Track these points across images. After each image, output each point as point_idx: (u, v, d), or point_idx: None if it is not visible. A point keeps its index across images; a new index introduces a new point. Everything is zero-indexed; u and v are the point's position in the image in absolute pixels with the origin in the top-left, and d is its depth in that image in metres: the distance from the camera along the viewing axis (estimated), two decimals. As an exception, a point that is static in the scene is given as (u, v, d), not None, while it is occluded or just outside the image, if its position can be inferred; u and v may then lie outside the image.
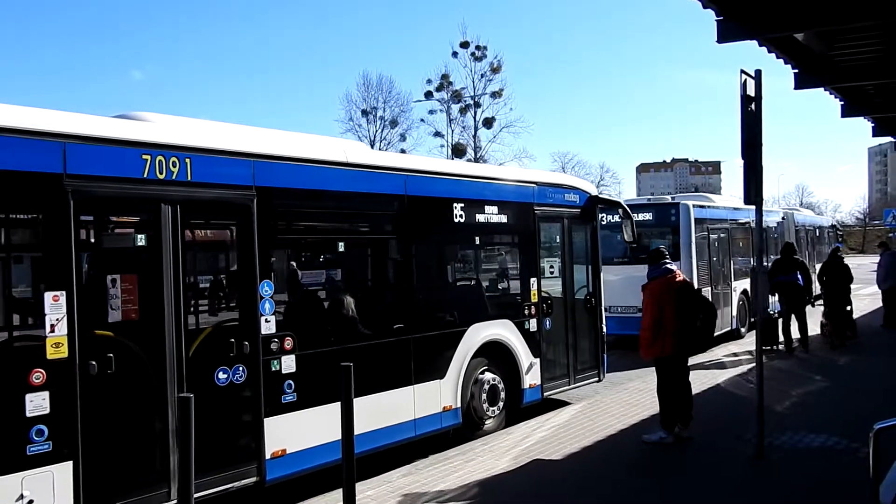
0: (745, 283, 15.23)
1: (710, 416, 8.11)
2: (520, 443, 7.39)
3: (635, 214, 10.88)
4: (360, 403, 5.41)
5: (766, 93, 6.71)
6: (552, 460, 6.77)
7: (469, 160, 41.88)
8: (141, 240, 5.50)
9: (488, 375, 8.06)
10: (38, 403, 4.62)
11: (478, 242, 8.46)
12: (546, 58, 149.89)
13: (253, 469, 5.80)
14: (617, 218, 11.66)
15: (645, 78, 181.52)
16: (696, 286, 7.10)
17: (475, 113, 43.19)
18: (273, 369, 5.95)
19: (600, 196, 10.16)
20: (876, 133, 13.65)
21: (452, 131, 43.41)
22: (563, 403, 9.19)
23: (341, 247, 7.25)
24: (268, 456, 5.87)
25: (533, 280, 8.62)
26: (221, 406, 5.63)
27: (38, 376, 4.63)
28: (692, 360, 8.23)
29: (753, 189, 6.76)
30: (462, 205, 7.81)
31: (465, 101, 43.02)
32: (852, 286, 13.60)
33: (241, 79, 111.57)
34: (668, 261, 7.67)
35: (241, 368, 5.74)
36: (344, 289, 7.25)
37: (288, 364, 6.06)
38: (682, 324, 7.32)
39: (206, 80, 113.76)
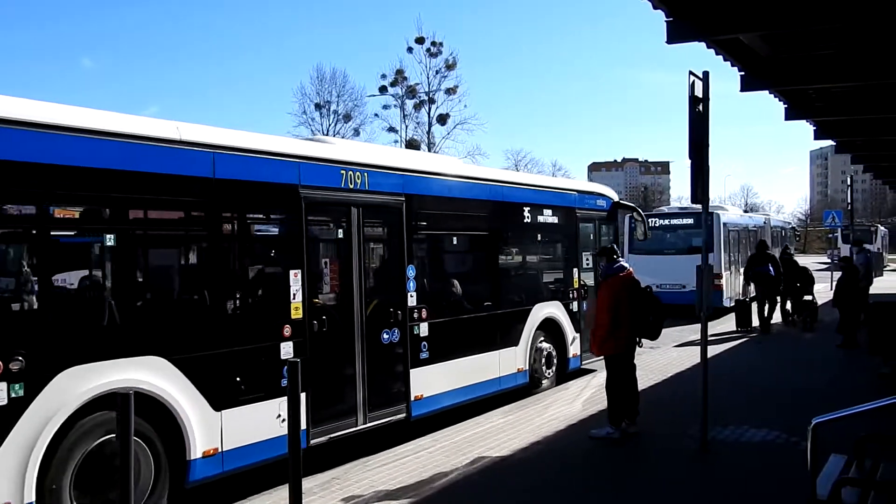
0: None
1: (658, 411, 8.29)
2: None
3: (679, 220, 19.86)
4: (466, 362, 8.46)
5: (713, 94, 6.83)
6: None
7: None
8: (340, 234, 7.39)
9: (545, 345, 10.11)
10: (287, 350, 6.46)
11: (539, 238, 10.37)
12: (500, 55, 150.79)
13: (403, 408, 7.70)
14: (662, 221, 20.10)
15: (597, 78, 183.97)
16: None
17: (429, 109, 43.09)
18: (415, 332, 7.85)
19: (621, 202, 12.22)
20: (817, 136, 14.03)
21: (406, 127, 43.28)
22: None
23: (456, 241, 9.28)
24: (412, 398, 7.80)
25: (575, 269, 10.80)
26: (385, 359, 7.54)
27: (287, 330, 6.51)
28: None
29: (700, 189, 6.87)
30: (529, 208, 9.83)
31: (420, 96, 42.89)
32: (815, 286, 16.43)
33: (193, 67, 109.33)
34: (621, 259, 7.79)
35: (395, 331, 7.61)
36: (456, 274, 9.12)
37: (424, 329, 7.97)
38: (635, 320, 7.44)
39: (158, 68, 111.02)
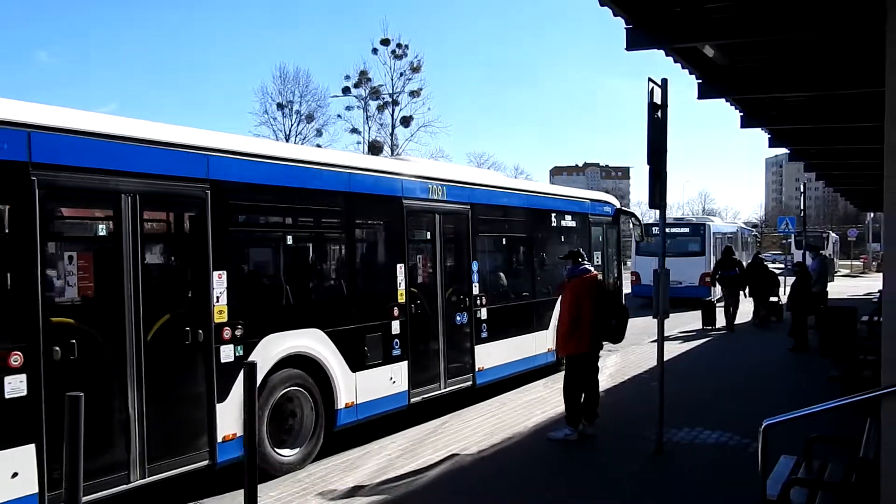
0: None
1: (619, 411, 8.47)
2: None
3: (677, 229, 22.94)
4: (512, 341, 10.30)
5: (672, 101, 6.94)
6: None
7: (385, 157, 41.71)
8: (427, 235, 9.06)
9: None
10: (395, 327, 8.15)
11: (562, 239, 11.79)
12: (465, 59, 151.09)
13: (470, 377, 9.41)
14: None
15: (559, 83, 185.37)
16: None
17: (393, 111, 42.99)
18: (477, 316, 9.56)
19: (623, 209, 14.22)
20: (772, 144, 14.30)
21: (370, 128, 43.11)
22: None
23: (504, 241, 10.95)
24: (476, 369, 9.51)
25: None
26: (457, 337, 9.24)
27: (396, 311, 8.15)
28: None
29: (658, 194, 6.97)
30: (555, 214, 11.66)
31: (384, 98, 42.77)
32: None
33: (154, 63, 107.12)
34: (585, 261, 7.91)
35: (465, 314, 9.38)
36: (504, 268, 10.88)
37: (483, 314, 9.73)
38: (597, 321, 7.52)
39: (116, 63, 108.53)
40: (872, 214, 47.13)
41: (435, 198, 8.92)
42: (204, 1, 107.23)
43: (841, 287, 29.40)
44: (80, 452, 3.53)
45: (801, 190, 21.88)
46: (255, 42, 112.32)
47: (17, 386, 4.76)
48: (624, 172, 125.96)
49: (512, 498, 5.89)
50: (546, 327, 11.19)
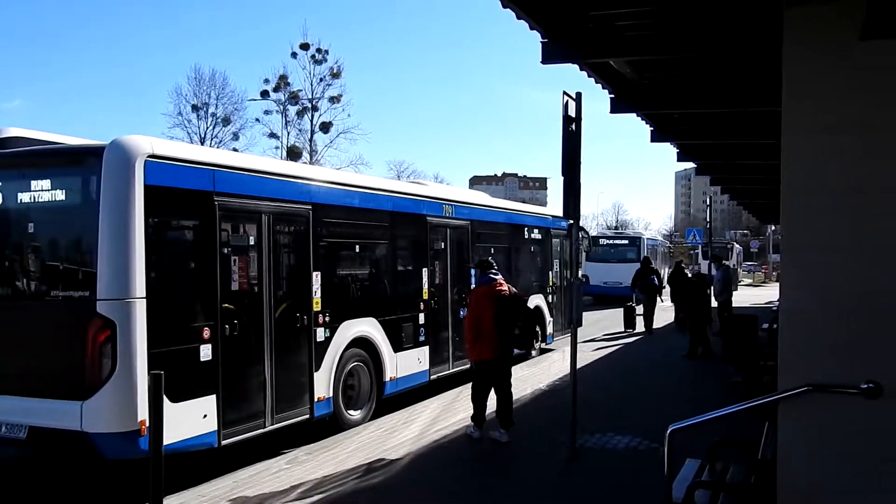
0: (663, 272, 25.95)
1: (538, 417, 8.71)
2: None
3: (619, 241, 32.02)
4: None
5: (587, 115, 7.10)
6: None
7: (305, 163, 41.19)
8: (441, 245, 11.04)
9: (535, 325, 14.02)
10: (421, 319, 10.27)
11: (532, 249, 14.31)
12: (386, 67, 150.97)
13: (468, 360, 9.65)
14: (608, 241, 31.72)
15: (479, 93, 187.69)
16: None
17: (312, 116, 42.44)
18: (459, 316, 11.07)
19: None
20: (680, 158, 14.84)
21: (288, 133, 42.42)
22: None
23: (493, 250, 12.20)
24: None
25: (550, 272, 14.88)
26: (462, 327, 9.92)
27: (422, 305, 10.33)
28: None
29: (572, 205, 7.12)
30: (527, 228, 14.03)
31: (303, 103, 42.17)
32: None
33: (63, 59, 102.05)
34: (494, 271, 8.00)
35: (466, 309, 9.45)
36: (514, 269, 13.09)
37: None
38: (500, 330, 7.62)
39: (23, 59, 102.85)
40: (773, 227, 49.67)
41: (447, 215, 11.10)
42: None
43: (744, 296, 30.82)
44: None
45: (708, 203, 22.76)
46: (171, 42, 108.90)
47: (207, 353, 6.62)
48: (541, 183, 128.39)
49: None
50: None
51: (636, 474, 6.60)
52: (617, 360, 14.13)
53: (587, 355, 14.05)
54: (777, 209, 4.82)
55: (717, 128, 11.94)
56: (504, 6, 6.30)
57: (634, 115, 10.81)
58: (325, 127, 41.95)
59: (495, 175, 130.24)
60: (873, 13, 3.74)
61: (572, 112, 7.00)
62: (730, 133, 11.91)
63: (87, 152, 6.43)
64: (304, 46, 41.34)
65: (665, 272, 29.52)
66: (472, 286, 8.75)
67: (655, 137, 12.31)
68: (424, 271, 10.38)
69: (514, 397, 8.12)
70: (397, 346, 9.59)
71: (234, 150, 43.11)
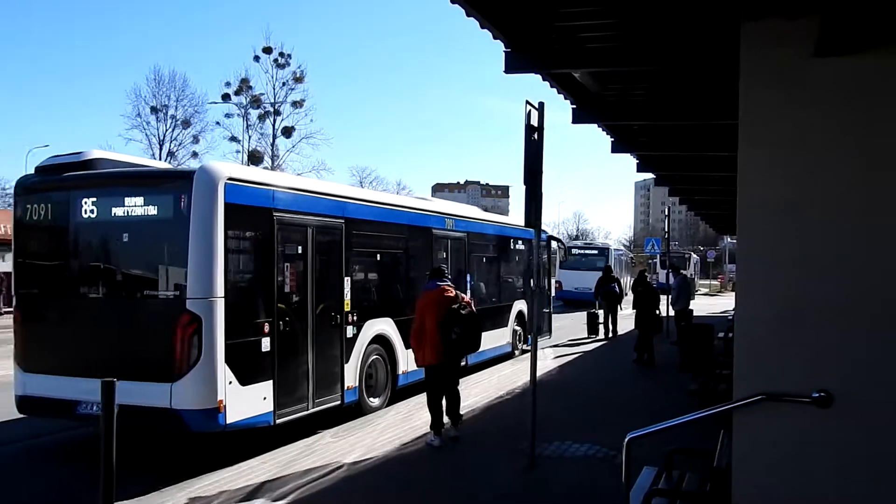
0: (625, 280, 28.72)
1: (498, 424, 8.79)
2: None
3: (589, 251, 36.16)
4: (489, 334, 12.83)
5: (550, 124, 7.13)
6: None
7: (266, 168, 40.81)
8: (444, 254, 12.25)
9: (518, 327, 15.45)
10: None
11: (516, 259, 15.73)
12: (350, 74, 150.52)
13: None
14: (580, 251, 35.31)
15: (443, 101, 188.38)
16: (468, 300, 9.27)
17: (274, 121, 42.08)
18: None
19: (553, 236, 18.39)
20: (640, 169, 15.08)
21: (250, 137, 41.97)
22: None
23: (484, 259, 14.29)
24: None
25: (531, 279, 15.03)
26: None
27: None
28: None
29: (533, 213, 7.16)
30: (512, 240, 15.38)
31: (265, 107, 41.78)
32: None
33: (17, 55, 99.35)
34: (442, 277, 8.14)
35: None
36: (485, 279, 14.24)
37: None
38: (441, 335, 7.70)
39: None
40: (728, 237, 50.69)
41: (448, 228, 12.43)
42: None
43: (700, 305, 31.31)
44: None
45: (666, 213, 23.12)
46: (130, 41, 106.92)
47: (266, 345, 7.84)
48: (503, 191, 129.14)
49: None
50: (506, 325, 14.85)
51: (594, 482, 6.63)
52: (578, 367, 14.33)
53: (549, 362, 14.28)
54: (733, 220, 4.90)
55: (676, 140, 12.14)
56: (468, 15, 6.33)
57: (596, 125, 10.95)
58: (288, 131, 41.68)
59: (458, 182, 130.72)
60: (827, 31, 3.83)
61: (535, 121, 7.04)
62: (688, 145, 12.13)
63: (178, 175, 8.03)
64: (267, 50, 41.08)
65: (628, 280, 30.55)
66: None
67: (616, 148, 12.48)
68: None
69: (479, 400, 9.14)
70: (407, 344, 10.17)
71: (195, 153, 42.64)
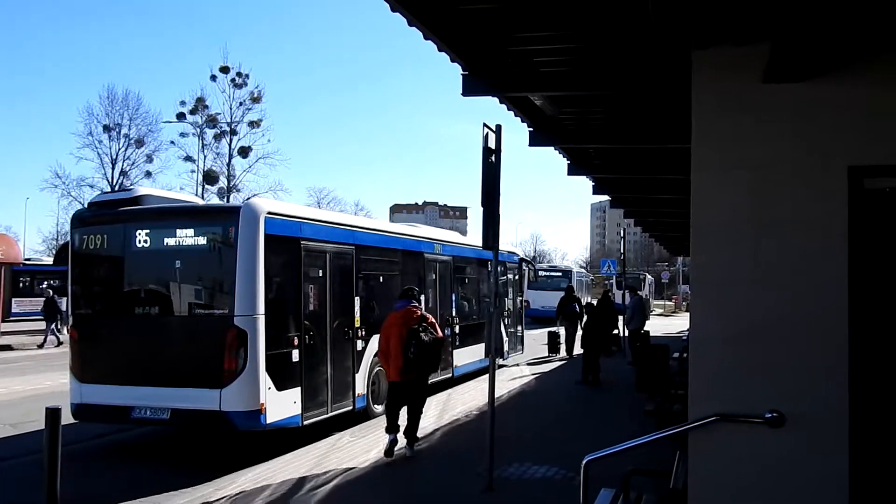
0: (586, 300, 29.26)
1: (457, 446, 8.76)
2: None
3: (553, 272, 41.10)
4: (470, 349, 15.13)
5: (507, 147, 7.18)
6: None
7: (221, 188, 40.27)
8: (433, 277, 13.69)
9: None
10: (447, 331, 13.68)
11: (500, 280, 16.20)
12: (308, 96, 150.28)
13: (449, 371, 13.90)
14: (547, 273, 40.08)
15: (401, 123, 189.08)
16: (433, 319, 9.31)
17: (231, 140, 41.59)
18: (455, 331, 14.56)
19: (524, 258, 20.27)
20: (596, 191, 15.27)
21: (205, 157, 41.36)
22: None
23: (466, 280, 15.91)
24: (454, 365, 14.29)
25: (507, 299, 17.43)
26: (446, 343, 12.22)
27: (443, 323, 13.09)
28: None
29: (491, 235, 7.16)
30: (490, 262, 16.94)
31: (221, 127, 41.27)
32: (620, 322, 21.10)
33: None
34: (410, 298, 8.34)
35: (448, 329, 13.92)
36: (467, 298, 15.70)
37: (457, 329, 14.77)
38: (403, 354, 7.90)
39: None
40: (682, 258, 51.61)
41: (437, 252, 13.82)
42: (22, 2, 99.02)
43: (656, 325, 31.73)
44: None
45: (621, 235, 23.46)
46: (82, 58, 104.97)
47: (296, 356, 8.97)
48: (461, 212, 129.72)
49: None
50: (480, 342, 15.67)
51: (553, 504, 6.60)
52: (537, 387, 14.45)
53: (508, 384, 14.31)
54: (687, 242, 4.97)
55: (631, 163, 12.34)
56: (426, 38, 6.35)
57: (553, 148, 11.06)
58: (244, 151, 41.20)
59: (416, 203, 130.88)
60: (776, 58, 3.94)
61: (492, 144, 7.07)
62: (642, 168, 12.33)
63: (227, 210, 9.58)
64: (225, 69, 40.70)
65: (587, 300, 30.53)
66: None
67: (572, 171, 12.62)
68: (422, 297, 11.37)
69: (441, 419, 9.80)
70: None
71: (148, 172, 41.91)
